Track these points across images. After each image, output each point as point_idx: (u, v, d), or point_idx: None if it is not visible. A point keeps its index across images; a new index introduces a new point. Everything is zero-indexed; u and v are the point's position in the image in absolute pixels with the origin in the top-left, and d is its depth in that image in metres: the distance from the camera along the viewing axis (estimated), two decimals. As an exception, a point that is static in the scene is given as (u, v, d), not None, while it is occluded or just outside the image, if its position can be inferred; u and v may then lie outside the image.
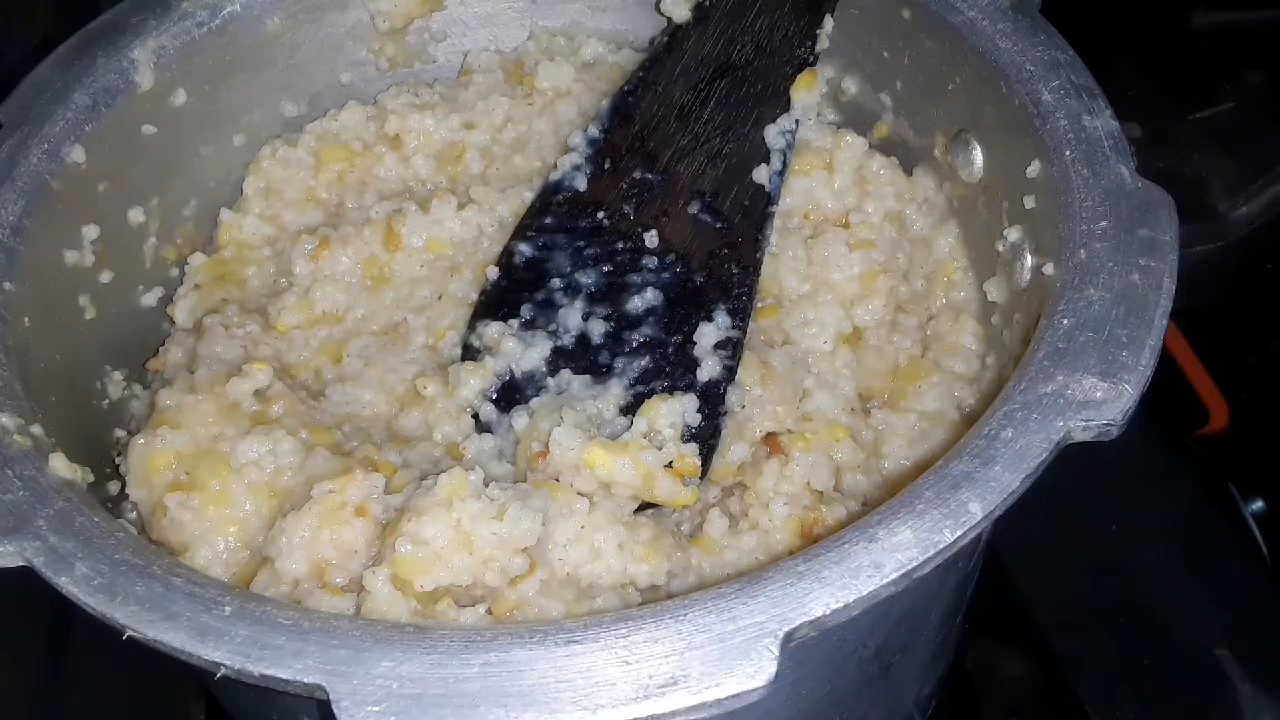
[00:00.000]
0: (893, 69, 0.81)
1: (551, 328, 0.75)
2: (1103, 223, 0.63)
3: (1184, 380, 1.00)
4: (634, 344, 0.73)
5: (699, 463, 0.68)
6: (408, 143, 0.86)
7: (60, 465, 0.59)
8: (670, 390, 0.71)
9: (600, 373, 0.73)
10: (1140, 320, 0.58)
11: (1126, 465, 0.90)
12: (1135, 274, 0.60)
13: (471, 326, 0.77)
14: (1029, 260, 0.70)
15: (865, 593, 0.50)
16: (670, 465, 0.67)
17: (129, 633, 0.51)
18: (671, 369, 0.72)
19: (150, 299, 0.80)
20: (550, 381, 0.73)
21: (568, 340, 0.74)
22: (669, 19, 0.84)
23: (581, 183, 0.80)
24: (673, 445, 0.68)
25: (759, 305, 0.76)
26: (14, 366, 0.63)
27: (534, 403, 0.72)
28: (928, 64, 0.78)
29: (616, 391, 0.72)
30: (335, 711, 0.48)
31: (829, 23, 0.80)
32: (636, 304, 0.75)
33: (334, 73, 0.89)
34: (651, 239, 0.76)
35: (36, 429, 0.61)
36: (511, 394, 0.73)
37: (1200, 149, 1.11)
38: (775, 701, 0.49)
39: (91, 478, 0.64)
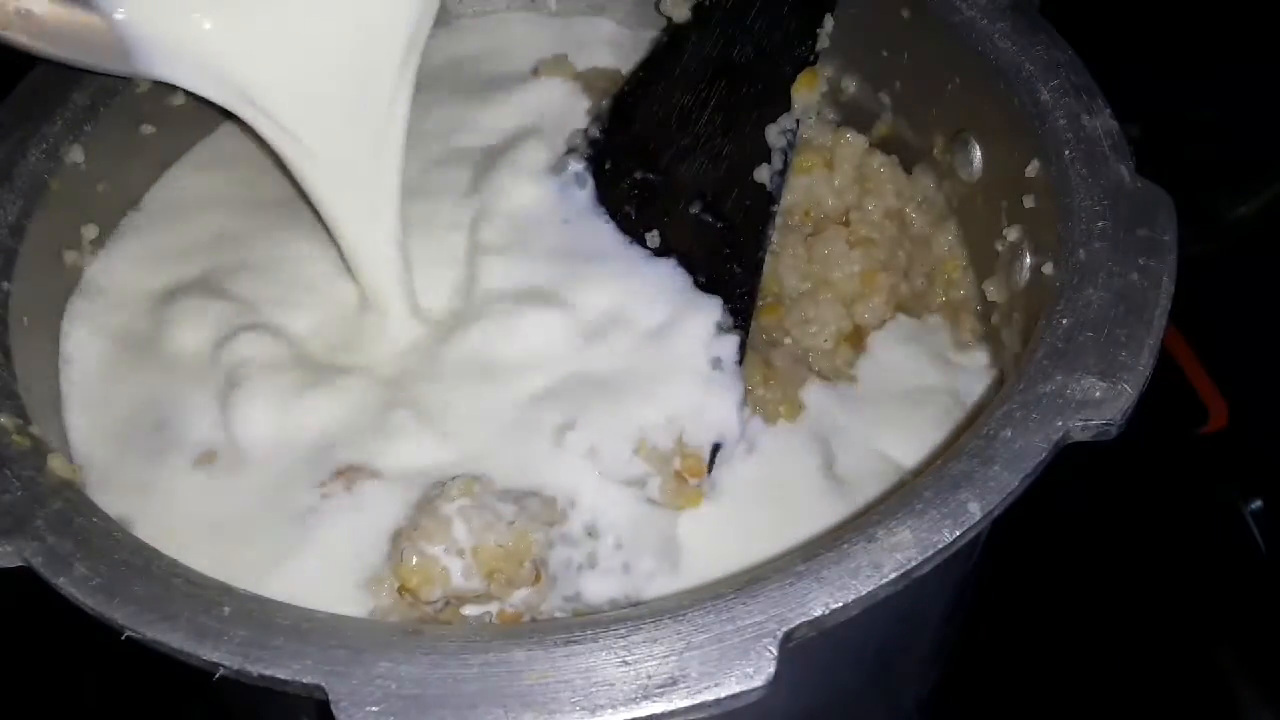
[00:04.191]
0: (892, 68, 0.81)
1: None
2: (1102, 222, 0.63)
3: (1183, 380, 1.00)
4: (635, 344, 0.73)
5: (705, 463, 0.68)
6: (407, 142, 0.86)
7: (59, 465, 0.59)
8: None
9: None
10: (1139, 320, 0.58)
11: (1125, 465, 0.90)
12: (1134, 273, 0.60)
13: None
14: (1028, 260, 0.70)
15: (864, 593, 0.50)
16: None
17: (127, 633, 0.51)
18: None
19: (149, 299, 0.80)
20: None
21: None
22: (669, 19, 0.84)
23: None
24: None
25: (760, 304, 0.75)
26: (12, 367, 0.63)
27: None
28: (927, 63, 0.78)
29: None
30: (334, 712, 0.48)
31: (829, 22, 0.80)
32: (638, 304, 0.75)
33: (333, 73, 0.89)
34: (653, 239, 0.76)
35: (35, 429, 0.61)
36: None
37: (1200, 148, 1.11)
38: (774, 702, 0.49)
39: (89, 476, 0.64)
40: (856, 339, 0.76)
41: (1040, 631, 0.90)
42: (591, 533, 0.64)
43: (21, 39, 0.62)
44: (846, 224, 0.79)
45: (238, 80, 0.65)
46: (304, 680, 0.49)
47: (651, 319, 0.72)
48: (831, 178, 0.79)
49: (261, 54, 0.65)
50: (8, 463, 0.58)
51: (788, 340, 0.75)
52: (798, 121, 0.78)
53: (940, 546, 0.51)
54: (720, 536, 0.65)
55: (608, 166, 0.78)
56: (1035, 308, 0.65)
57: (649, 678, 0.48)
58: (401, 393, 0.69)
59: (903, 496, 0.54)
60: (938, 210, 0.80)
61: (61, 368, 0.71)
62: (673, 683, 0.48)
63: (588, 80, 0.86)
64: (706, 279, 0.74)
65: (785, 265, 0.76)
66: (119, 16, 0.63)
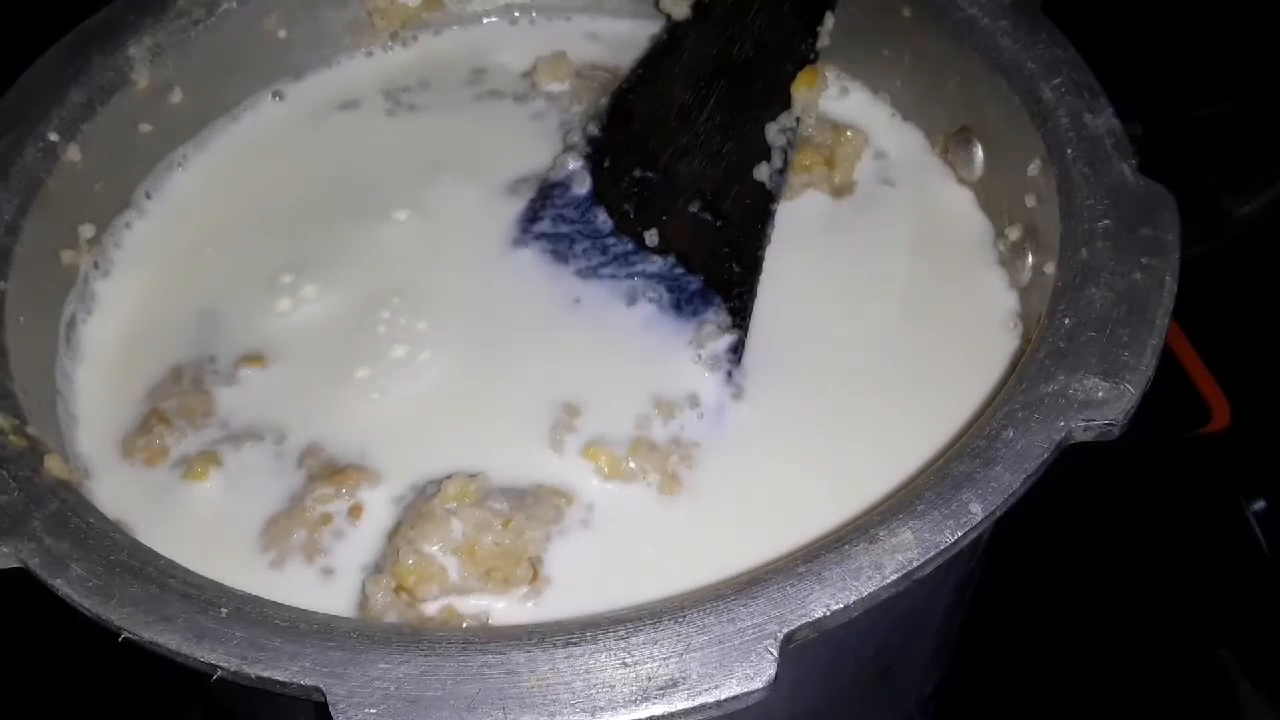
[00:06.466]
0: (893, 67, 0.81)
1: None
2: (1104, 221, 0.62)
3: (1186, 379, 1.00)
4: (634, 343, 0.73)
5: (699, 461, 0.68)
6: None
7: (55, 466, 0.59)
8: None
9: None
10: (1142, 320, 0.58)
11: (1128, 465, 0.90)
12: (1137, 273, 0.60)
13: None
14: (1030, 259, 0.70)
15: (865, 594, 0.50)
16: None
17: (125, 634, 0.51)
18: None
19: (147, 298, 0.80)
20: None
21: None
22: (668, 17, 0.84)
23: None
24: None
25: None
26: (8, 366, 0.63)
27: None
28: (928, 62, 0.78)
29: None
30: (332, 713, 0.48)
31: (830, 20, 0.80)
32: (636, 303, 0.75)
33: (331, 71, 0.89)
34: (652, 238, 0.75)
35: (32, 429, 0.60)
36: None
37: (1203, 147, 1.11)
38: (775, 703, 0.48)
39: (87, 479, 0.64)
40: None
41: (1041, 631, 0.90)
42: (588, 530, 0.64)
43: None
44: (847, 223, 0.79)
45: None
46: (302, 681, 0.49)
47: (649, 319, 0.72)
48: (831, 176, 0.79)
49: None
50: (4, 463, 0.57)
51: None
52: (798, 120, 0.78)
53: (942, 547, 0.51)
54: (718, 532, 0.65)
55: (607, 164, 0.78)
56: (1037, 307, 0.65)
57: (649, 679, 0.48)
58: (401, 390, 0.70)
59: (904, 497, 0.53)
60: (938, 209, 0.80)
61: (64, 368, 0.71)
62: (673, 684, 0.48)
63: (586, 78, 0.86)
64: (705, 277, 0.74)
65: (784, 264, 0.76)
66: None
